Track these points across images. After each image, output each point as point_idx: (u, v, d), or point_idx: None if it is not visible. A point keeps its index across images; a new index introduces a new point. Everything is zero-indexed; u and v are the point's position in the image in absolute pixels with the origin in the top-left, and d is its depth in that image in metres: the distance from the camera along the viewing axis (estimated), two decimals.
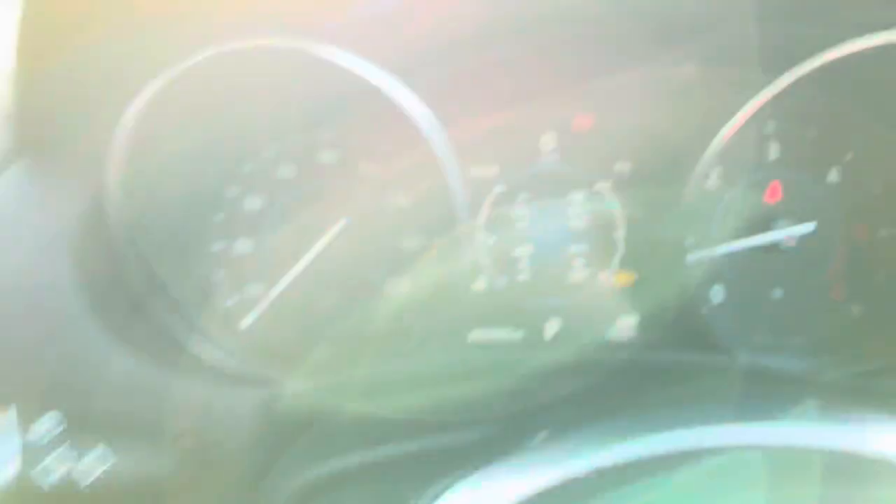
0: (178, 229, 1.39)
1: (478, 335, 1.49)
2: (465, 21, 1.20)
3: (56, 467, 1.08)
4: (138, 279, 1.28)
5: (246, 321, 1.45)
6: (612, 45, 1.30)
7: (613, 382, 1.25)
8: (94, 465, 1.10)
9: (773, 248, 1.45)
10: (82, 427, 1.10)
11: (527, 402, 1.27)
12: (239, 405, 1.20)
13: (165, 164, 1.31)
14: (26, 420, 1.07)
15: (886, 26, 1.14)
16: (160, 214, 1.33)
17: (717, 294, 1.48)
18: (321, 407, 1.24)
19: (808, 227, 1.43)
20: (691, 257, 1.38)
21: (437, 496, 0.91)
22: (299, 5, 1.12)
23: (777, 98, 1.23)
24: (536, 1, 1.13)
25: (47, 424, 1.08)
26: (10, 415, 1.06)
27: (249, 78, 1.30)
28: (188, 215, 1.41)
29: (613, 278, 1.50)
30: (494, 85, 1.49)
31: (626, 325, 1.50)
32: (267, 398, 1.22)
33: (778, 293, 1.48)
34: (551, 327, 1.50)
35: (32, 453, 1.07)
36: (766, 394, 1.15)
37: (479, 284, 1.50)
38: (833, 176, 1.48)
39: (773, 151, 1.48)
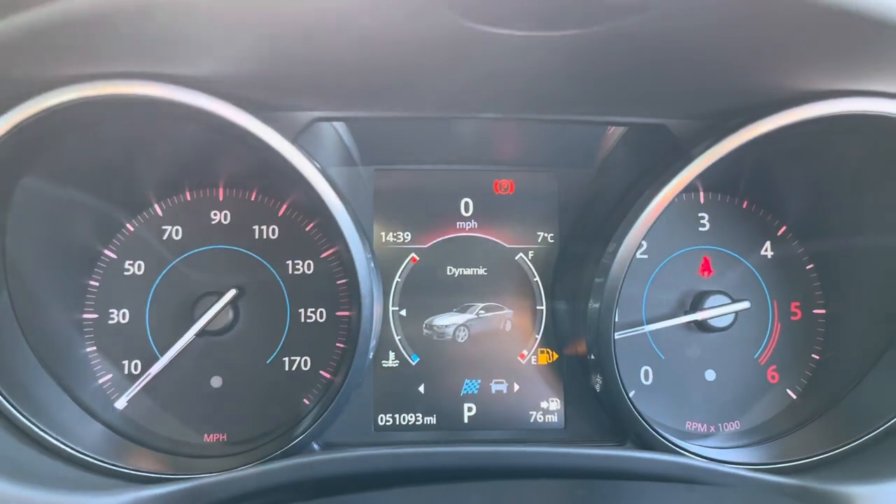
0: (43, 293, 1.21)
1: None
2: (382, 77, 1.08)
3: None
4: None
5: (120, 402, 1.26)
6: (540, 108, 1.20)
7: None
8: None
9: (706, 326, 1.34)
10: None
11: None
12: None
13: (28, 216, 1.14)
14: None
15: (820, 97, 1.07)
16: (23, 272, 1.16)
17: (646, 375, 1.37)
18: None
19: (742, 305, 1.34)
20: (618, 335, 1.27)
21: None
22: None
23: (709, 169, 1.15)
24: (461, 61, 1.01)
25: None
26: None
27: (132, 129, 1.16)
28: (55, 277, 1.23)
29: (535, 357, 1.38)
30: (414, 144, 1.39)
31: (548, 409, 1.37)
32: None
33: (710, 375, 1.37)
34: (469, 410, 1.37)
35: None
36: None
37: (390, 361, 1.36)
38: (767, 251, 1.40)
39: (705, 224, 1.39)
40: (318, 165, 1.12)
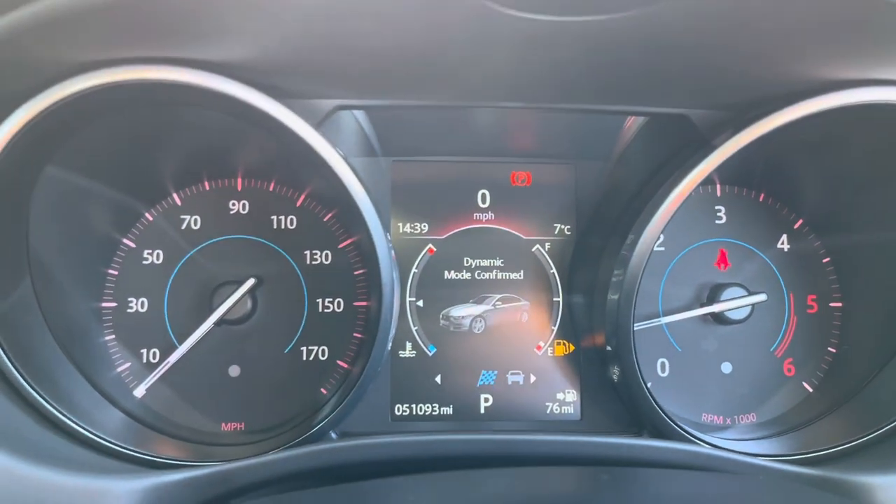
0: (63, 281, 1.21)
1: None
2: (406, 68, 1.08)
3: None
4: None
5: (139, 390, 1.27)
6: (562, 98, 1.20)
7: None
8: None
9: (722, 318, 1.34)
10: None
11: None
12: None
13: (50, 204, 1.15)
14: None
15: (843, 86, 1.07)
16: (44, 259, 1.17)
17: (663, 367, 1.37)
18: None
19: (759, 298, 1.34)
20: (636, 326, 1.27)
21: None
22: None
23: (728, 161, 1.15)
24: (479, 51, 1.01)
25: None
26: None
27: (153, 117, 1.16)
28: (75, 265, 1.24)
29: (551, 348, 1.38)
30: (432, 135, 1.39)
31: (564, 401, 1.37)
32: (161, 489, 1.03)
33: (727, 368, 1.37)
34: (485, 401, 1.37)
35: None
36: None
37: (407, 351, 1.37)
38: (783, 244, 1.40)
39: (722, 217, 1.39)
40: (342, 153, 1.12)
